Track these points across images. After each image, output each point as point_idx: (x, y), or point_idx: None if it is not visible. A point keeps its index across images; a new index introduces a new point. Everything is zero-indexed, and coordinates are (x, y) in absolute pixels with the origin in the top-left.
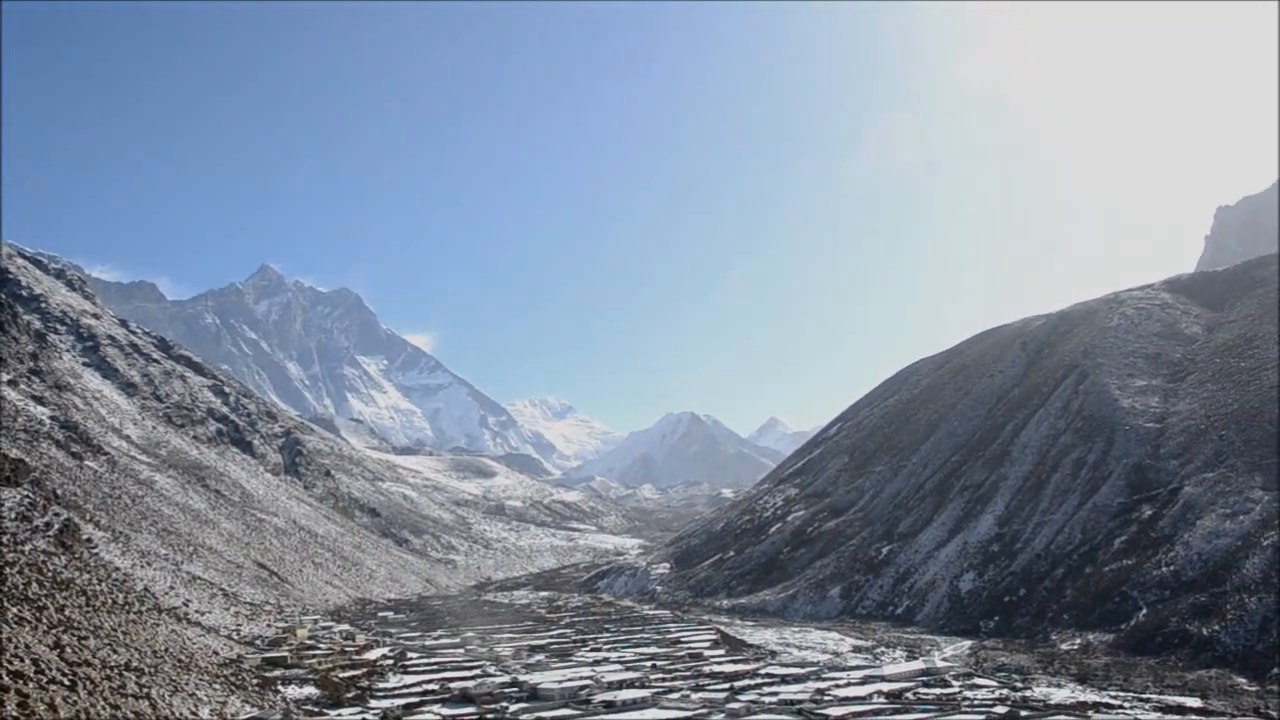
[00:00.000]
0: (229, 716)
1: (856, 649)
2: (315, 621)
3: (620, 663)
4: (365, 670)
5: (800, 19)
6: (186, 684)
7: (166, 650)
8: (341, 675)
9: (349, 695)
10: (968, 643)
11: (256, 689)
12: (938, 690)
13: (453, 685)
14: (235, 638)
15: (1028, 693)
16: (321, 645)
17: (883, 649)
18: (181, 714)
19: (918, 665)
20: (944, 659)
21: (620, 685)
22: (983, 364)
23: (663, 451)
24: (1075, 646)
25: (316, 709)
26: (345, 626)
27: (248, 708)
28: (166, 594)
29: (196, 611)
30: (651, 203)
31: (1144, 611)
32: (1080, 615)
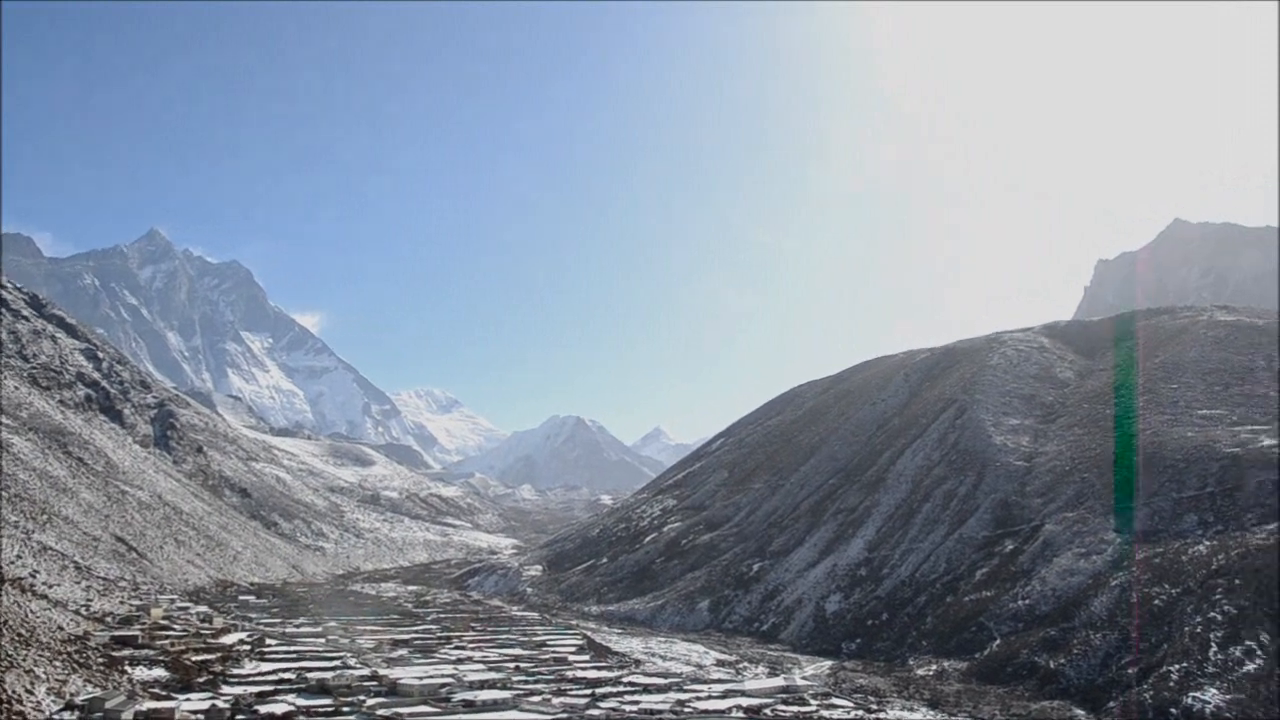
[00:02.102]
0: (67, 696)
1: (720, 662)
2: (172, 601)
3: (484, 662)
4: (220, 655)
5: (713, 21)
6: (24, 660)
7: (5, 623)
8: (194, 658)
9: (200, 679)
10: (829, 663)
11: (101, 668)
12: (795, 708)
13: (310, 675)
14: (84, 613)
15: (882, 715)
16: (176, 626)
17: (746, 664)
18: (14, 692)
19: (778, 682)
20: (804, 677)
21: (482, 685)
22: (866, 391)
23: (545, 453)
24: (931, 672)
25: (164, 692)
26: (203, 608)
27: (89, 688)
28: (12, 563)
29: (44, 584)
30: (552, 204)
31: (998, 642)
32: (938, 642)
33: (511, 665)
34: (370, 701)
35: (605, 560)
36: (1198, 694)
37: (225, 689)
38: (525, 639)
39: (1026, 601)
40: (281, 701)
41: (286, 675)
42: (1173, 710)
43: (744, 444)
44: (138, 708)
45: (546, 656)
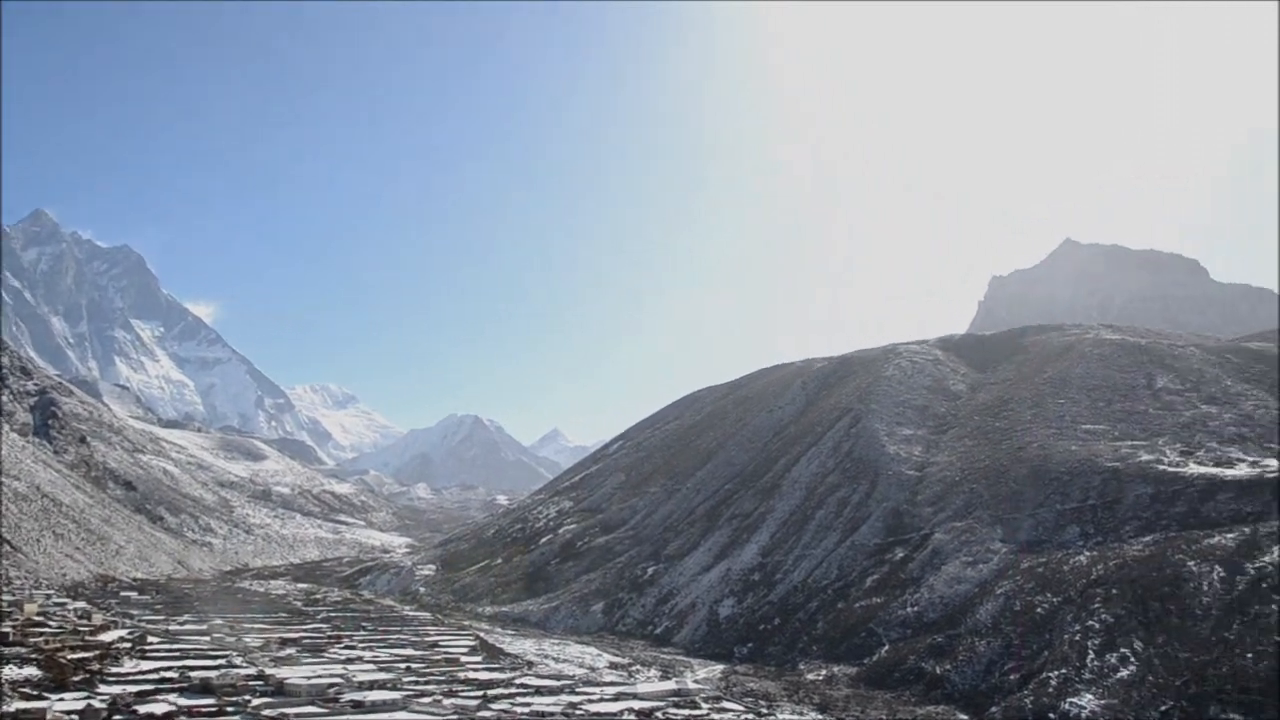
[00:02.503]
0: None
1: (613, 665)
2: (48, 597)
3: (374, 662)
4: (98, 653)
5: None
6: None
7: None
8: (70, 656)
9: (76, 678)
10: (720, 667)
11: None
12: (686, 711)
13: (193, 674)
14: None
15: (772, 719)
16: (52, 623)
17: (639, 667)
18: None
19: (670, 685)
20: (696, 681)
21: (372, 685)
22: (764, 398)
23: (442, 452)
24: (820, 677)
25: (36, 692)
26: (81, 604)
27: None
28: None
29: None
30: (455, 203)
31: (886, 648)
32: (829, 647)
33: (402, 666)
34: (255, 701)
35: (500, 561)
36: (1075, 700)
37: (102, 688)
38: (417, 639)
39: (915, 608)
40: (162, 701)
41: (168, 674)
42: (1051, 715)
43: (642, 447)
44: (6, 708)
45: (438, 657)
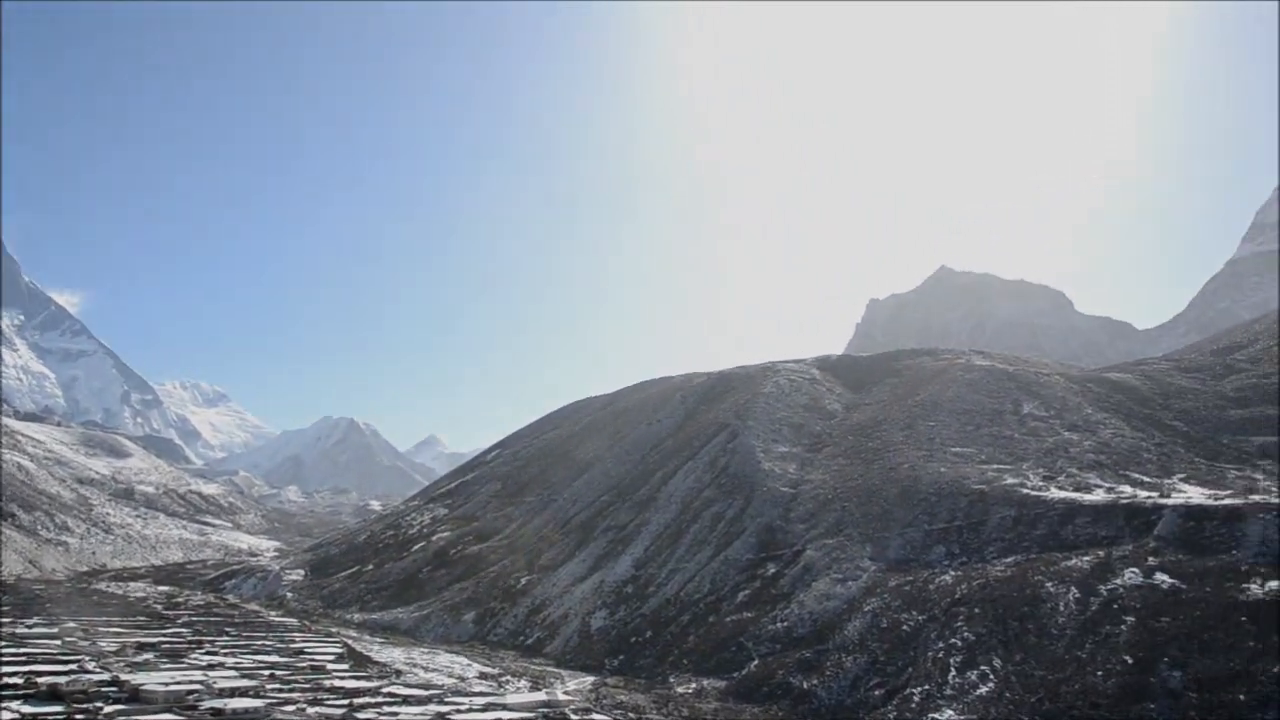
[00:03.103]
0: None
1: (483, 675)
2: None
3: (236, 669)
4: None
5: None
6: None
7: None
8: None
9: None
10: (591, 679)
11: None
12: None
13: (41, 680)
14: None
15: None
16: None
17: (509, 677)
18: None
19: (540, 696)
20: (566, 692)
21: (233, 693)
22: (643, 411)
23: (315, 454)
24: (690, 690)
25: None
26: None
27: None
28: None
29: None
30: (340, 202)
31: (756, 662)
32: (699, 661)
33: (266, 673)
34: (108, 709)
35: (371, 567)
36: (936, 715)
37: None
38: (282, 646)
39: (785, 624)
40: (5, 709)
41: (12, 680)
42: None
43: (519, 456)
44: None
45: (304, 664)
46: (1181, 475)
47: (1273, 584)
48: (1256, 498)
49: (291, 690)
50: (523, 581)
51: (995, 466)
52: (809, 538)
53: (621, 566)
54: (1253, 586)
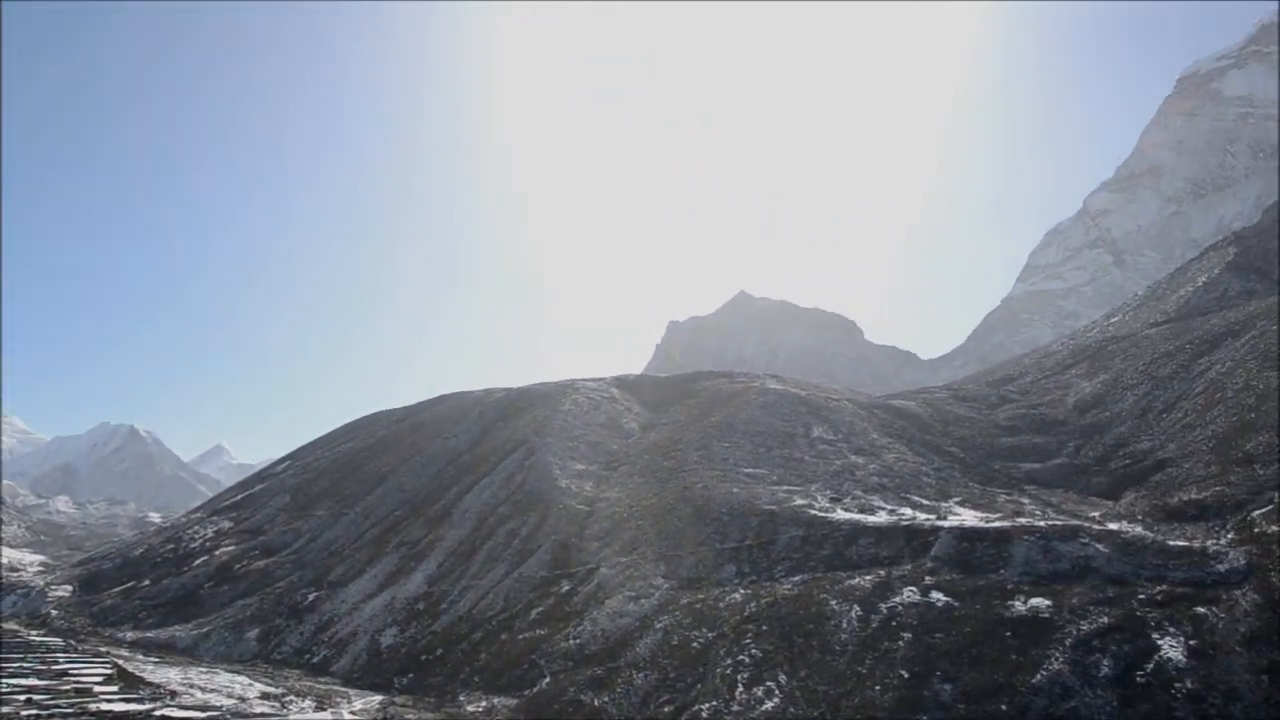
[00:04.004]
0: None
1: (265, 695)
2: None
3: None
4: None
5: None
6: None
7: None
8: None
9: None
10: (379, 697)
11: None
12: None
13: None
14: None
15: None
16: None
17: (292, 697)
18: None
19: (325, 716)
20: (353, 712)
21: None
22: (440, 425)
23: (90, 463)
24: (481, 709)
25: None
26: None
27: None
28: None
29: None
30: (121, 196)
31: (548, 680)
32: (491, 679)
33: (22, 698)
34: None
35: (147, 583)
36: None
37: None
38: (43, 667)
39: (577, 641)
40: None
41: None
42: None
43: (311, 468)
44: None
45: (67, 687)
46: (957, 499)
47: (1034, 601)
48: (1022, 520)
49: (52, 716)
50: (311, 597)
51: (786, 488)
52: (603, 555)
53: (414, 583)
54: (1016, 604)
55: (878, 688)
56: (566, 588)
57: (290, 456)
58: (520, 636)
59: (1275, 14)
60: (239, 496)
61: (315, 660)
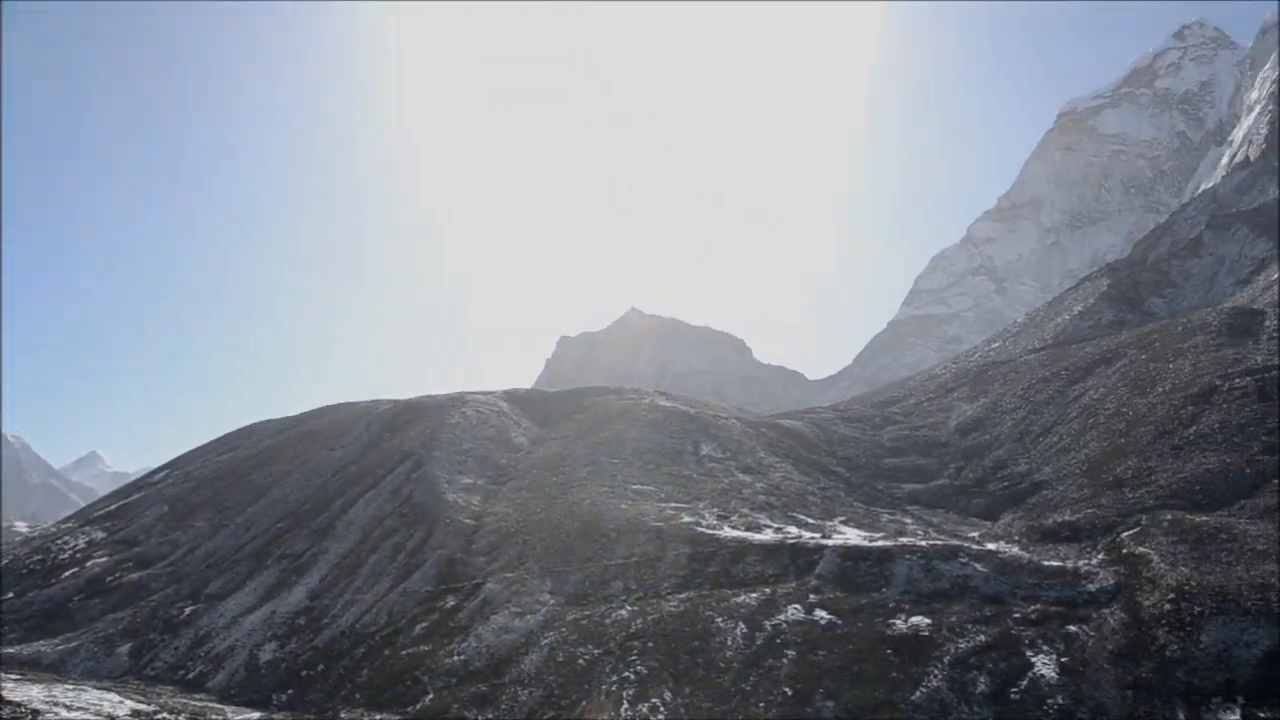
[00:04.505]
0: None
1: (135, 713)
2: None
3: None
4: None
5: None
6: None
7: None
8: None
9: None
10: (257, 714)
11: None
12: None
13: None
14: None
15: None
16: None
17: (165, 715)
18: None
19: None
20: None
21: None
22: (326, 436)
23: None
24: None
25: None
26: None
27: None
28: None
29: None
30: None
31: (431, 696)
32: (373, 695)
33: None
34: None
35: (11, 596)
36: None
37: None
38: None
39: (462, 657)
40: None
41: None
42: None
43: (191, 478)
44: None
45: None
46: (842, 518)
47: (915, 619)
48: (905, 540)
49: None
50: (187, 611)
51: (674, 505)
52: (490, 571)
53: (295, 596)
54: (898, 622)
55: (762, 705)
56: (452, 603)
57: (170, 465)
58: (404, 652)
59: (1148, 57)
60: (114, 506)
61: (190, 676)
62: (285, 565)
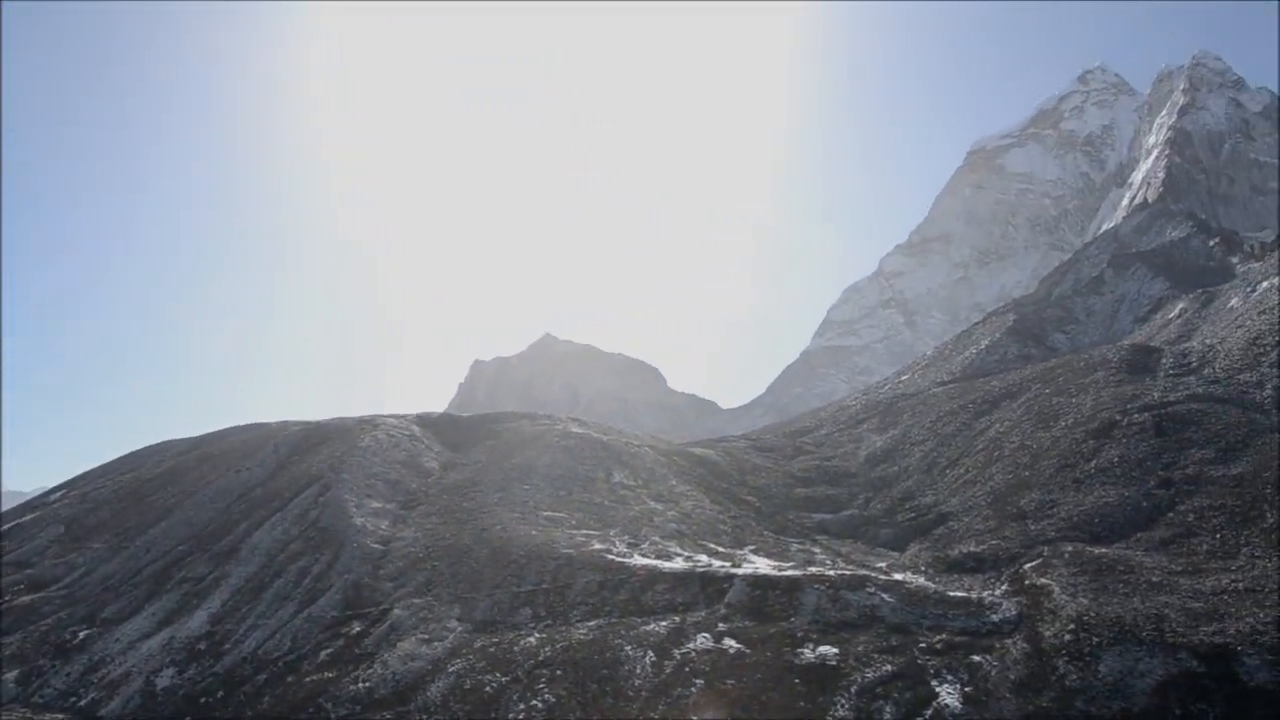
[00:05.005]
0: None
1: None
2: None
3: None
4: None
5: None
6: None
7: None
8: None
9: None
10: None
11: None
12: None
13: None
14: None
15: None
16: None
17: None
18: None
19: None
20: None
21: None
22: (233, 457)
23: None
24: None
25: None
26: None
27: None
28: None
29: None
30: None
31: None
32: None
33: None
34: None
35: None
36: None
37: None
38: None
39: (367, 684)
40: None
41: None
42: None
43: (89, 498)
44: None
45: None
46: (752, 547)
47: (822, 648)
48: (813, 569)
49: None
50: (81, 636)
51: (585, 532)
52: (397, 596)
53: (195, 621)
54: (805, 651)
55: None
56: (358, 629)
57: (67, 485)
58: (307, 679)
59: (1054, 99)
60: (6, 526)
61: (82, 703)
62: (186, 589)
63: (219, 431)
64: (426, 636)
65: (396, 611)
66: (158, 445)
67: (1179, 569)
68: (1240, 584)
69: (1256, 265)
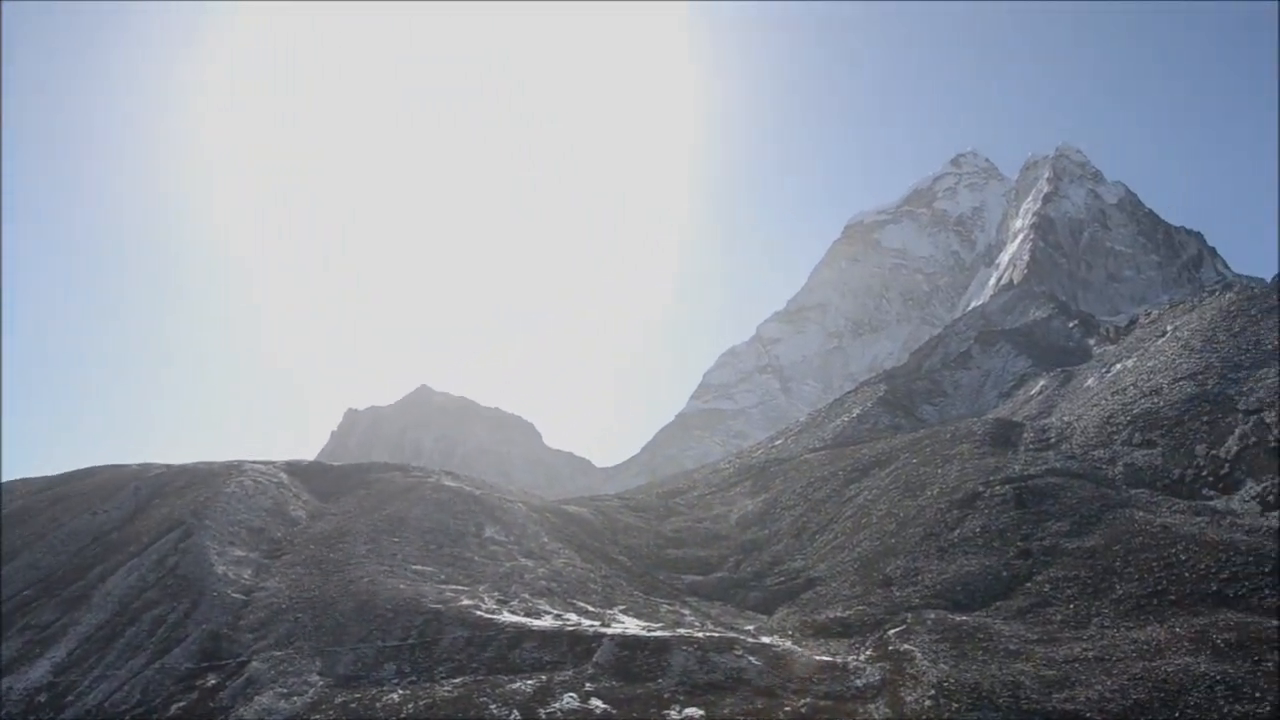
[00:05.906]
0: None
1: None
2: None
3: None
4: None
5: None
6: None
7: None
8: None
9: None
10: None
11: None
12: None
13: None
14: None
15: None
16: None
17: None
18: None
19: None
20: None
21: None
22: (88, 499)
23: None
24: None
25: None
26: None
27: None
28: None
29: None
30: None
31: None
32: None
33: None
34: None
35: None
36: None
37: None
38: None
39: None
40: None
41: None
42: None
43: None
44: None
45: None
46: (622, 606)
47: (689, 710)
48: (682, 631)
49: None
50: None
51: (453, 587)
52: (257, 648)
53: (38, 671)
54: (672, 713)
55: None
56: (213, 681)
57: None
58: None
59: (929, 179)
60: None
61: None
62: (29, 636)
63: (77, 471)
64: (285, 690)
65: (255, 664)
66: (9, 484)
67: (1035, 637)
68: (1090, 653)
69: (1111, 348)
